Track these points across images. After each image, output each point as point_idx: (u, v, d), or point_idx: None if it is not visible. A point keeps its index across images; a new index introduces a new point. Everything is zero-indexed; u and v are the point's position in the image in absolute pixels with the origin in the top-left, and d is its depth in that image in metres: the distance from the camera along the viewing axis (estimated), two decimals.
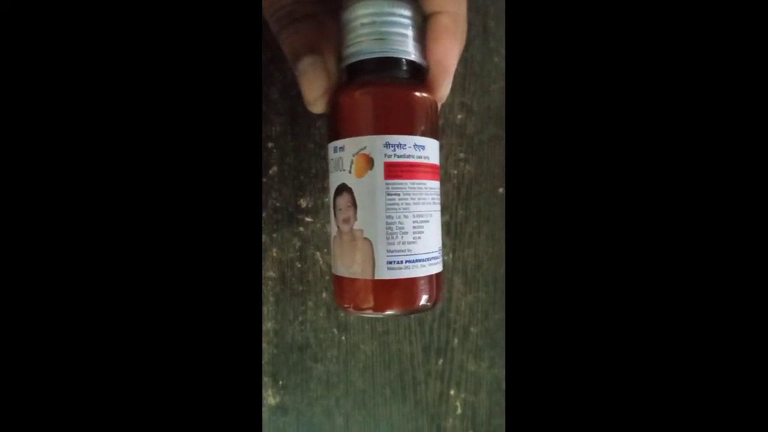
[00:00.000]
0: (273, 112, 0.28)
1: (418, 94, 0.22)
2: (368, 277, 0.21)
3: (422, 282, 0.22)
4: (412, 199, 0.21)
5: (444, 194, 0.30)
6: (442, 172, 0.30)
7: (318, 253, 0.29)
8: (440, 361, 0.31)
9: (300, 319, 0.29)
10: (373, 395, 0.31)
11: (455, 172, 0.31)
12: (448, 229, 0.31)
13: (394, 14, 0.21)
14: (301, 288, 0.29)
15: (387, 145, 0.20)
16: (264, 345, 0.29)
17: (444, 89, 0.23)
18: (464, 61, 0.30)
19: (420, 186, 0.21)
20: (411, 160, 0.21)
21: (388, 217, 0.21)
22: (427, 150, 0.22)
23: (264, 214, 0.29)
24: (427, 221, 0.22)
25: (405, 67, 0.22)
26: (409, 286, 0.21)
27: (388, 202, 0.21)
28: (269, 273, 0.29)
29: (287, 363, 0.29)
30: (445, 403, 0.31)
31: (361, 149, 0.21)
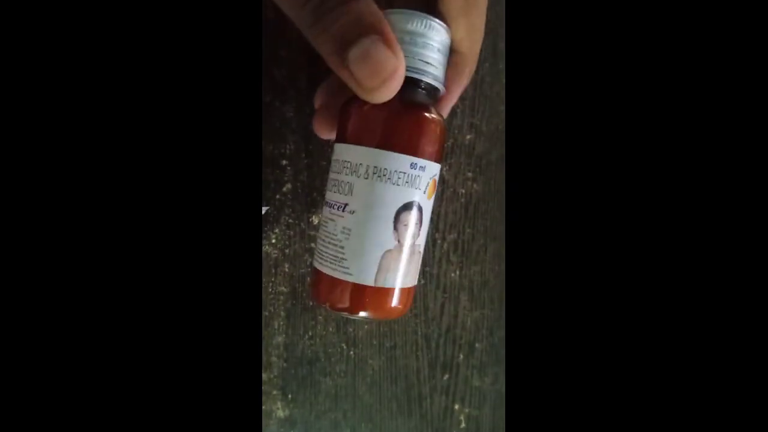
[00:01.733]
0: (287, 130, 0.29)
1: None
2: (415, 284, 0.24)
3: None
4: None
5: (452, 212, 0.31)
6: (450, 191, 0.31)
7: None
8: (446, 377, 0.32)
9: (310, 333, 0.30)
10: (379, 409, 0.31)
11: (463, 191, 0.31)
12: (455, 246, 0.31)
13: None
14: (311, 303, 0.30)
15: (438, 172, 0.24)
16: (274, 359, 0.30)
17: (445, 112, 0.26)
18: (474, 82, 0.31)
19: None
20: None
21: (428, 233, 0.24)
22: None
23: (277, 230, 0.29)
24: None
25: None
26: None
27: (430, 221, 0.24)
28: (281, 288, 0.29)
29: (297, 377, 0.30)
30: (450, 417, 0.32)
31: (435, 175, 0.23)
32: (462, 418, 0.32)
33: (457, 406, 0.32)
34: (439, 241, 0.31)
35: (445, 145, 0.24)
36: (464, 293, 0.31)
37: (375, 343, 0.31)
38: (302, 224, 0.29)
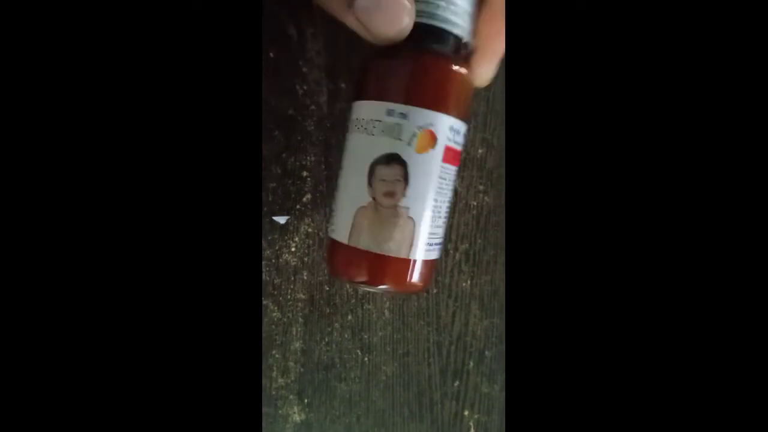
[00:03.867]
0: (308, 143, 0.30)
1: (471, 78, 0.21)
2: (404, 256, 0.20)
3: (434, 263, 0.23)
4: (449, 184, 0.21)
5: (464, 224, 0.32)
6: (462, 203, 0.32)
7: None
8: (456, 383, 0.33)
9: (326, 340, 0.31)
10: (392, 414, 0.32)
11: (475, 203, 0.32)
12: (467, 257, 0.32)
13: None
14: (328, 310, 0.31)
15: (451, 128, 0.20)
16: (291, 364, 0.31)
17: (491, 71, 0.22)
18: (485, 98, 0.32)
19: (454, 173, 0.22)
20: (459, 147, 0.21)
21: (434, 200, 0.20)
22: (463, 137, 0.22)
23: (296, 239, 0.30)
24: (449, 207, 0.22)
25: (468, 46, 0.21)
26: (431, 266, 0.22)
27: (439, 185, 0.20)
28: (299, 295, 0.30)
29: (313, 382, 0.31)
30: (460, 423, 0.33)
31: (428, 124, 0.20)
32: (471, 423, 0.33)
33: (466, 412, 0.33)
34: (451, 252, 0.32)
35: (469, 101, 0.21)
36: (475, 302, 0.32)
37: (389, 349, 0.32)
38: (321, 233, 0.30)
